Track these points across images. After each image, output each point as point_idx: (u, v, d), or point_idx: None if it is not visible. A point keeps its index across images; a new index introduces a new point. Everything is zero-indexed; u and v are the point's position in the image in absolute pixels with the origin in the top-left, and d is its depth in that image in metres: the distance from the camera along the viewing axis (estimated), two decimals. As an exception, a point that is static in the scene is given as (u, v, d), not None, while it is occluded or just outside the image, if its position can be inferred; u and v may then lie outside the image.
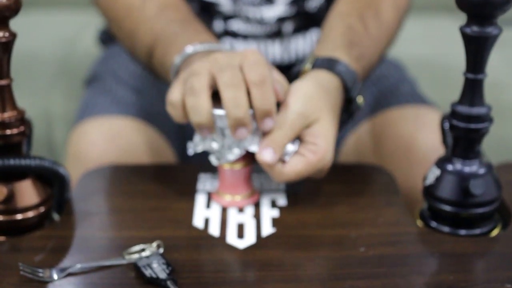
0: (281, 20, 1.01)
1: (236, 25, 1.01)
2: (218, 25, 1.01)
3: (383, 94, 1.00)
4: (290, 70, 1.06)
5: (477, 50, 0.65)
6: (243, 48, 1.01)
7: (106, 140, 0.91)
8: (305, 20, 1.03)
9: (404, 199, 0.75)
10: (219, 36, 1.02)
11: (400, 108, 0.97)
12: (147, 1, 0.87)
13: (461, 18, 0.67)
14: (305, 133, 0.71)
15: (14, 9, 0.64)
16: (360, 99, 0.78)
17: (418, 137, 0.91)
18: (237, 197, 0.73)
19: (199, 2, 1.00)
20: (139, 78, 1.03)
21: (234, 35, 1.01)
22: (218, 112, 0.69)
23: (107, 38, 1.25)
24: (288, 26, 1.02)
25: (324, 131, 0.71)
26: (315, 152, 0.70)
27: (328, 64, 0.76)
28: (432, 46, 1.58)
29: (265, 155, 0.70)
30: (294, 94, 0.73)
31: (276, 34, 1.02)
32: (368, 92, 1.02)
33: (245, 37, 1.01)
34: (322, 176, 0.74)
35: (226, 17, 1.00)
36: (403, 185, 0.84)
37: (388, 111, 0.97)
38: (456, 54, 1.30)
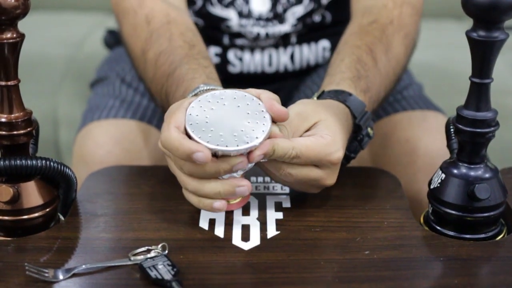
0: (286, 34, 1.02)
1: (242, 41, 1.01)
2: (225, 39, 1.01)
3: (390, 97, 1.00)
4: (299, 77, 1.07)
5: (483, 54, 0.65)
6: (249, 59, 1.02)
7: (112, 142, 0.92)
8: (310, 31, 1.04)
9: (409, 203, 0.75)
10: (227, 48, 1.02)
11: (406, 112, 0.97)
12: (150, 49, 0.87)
13: (466, 23, 0.67)
14: (310, 132, 0.70)
15: (22, 11, 0.64)
16: (371, 131, 0.78)
17: (424, 141, 0.91)
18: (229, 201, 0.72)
19: (207, 19, 1.01)
20: (141, 81, 1.03)
21: (241, 47, 1.02)
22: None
23: (112, 41, 1.25)
24: (293, 39, 1.03)
25: (330, 128, 0.70)
26: (323, 137, 0.69)
27: (335, 94, 0.77)
28: (438, 52, 1.58)
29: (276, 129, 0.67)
30: (295, 103, 0.73)
31: (282, 44, 1.03)
32: None
33: (252, 48, 1.02)
34: (333, 180, 0.71)
35: (232, 35, 1.01)
36: (408, 188, 0.84)
37: (395, 115, 0.97)
38: (461, 60, 1.30)
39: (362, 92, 0.78)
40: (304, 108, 0.72)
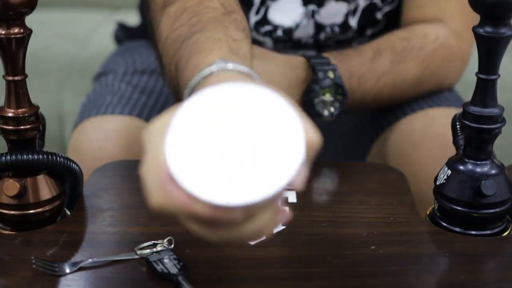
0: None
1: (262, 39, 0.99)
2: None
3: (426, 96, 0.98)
4: None
5: (490, 50, 0.65)
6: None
7: (105, 138, 0.91)
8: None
9: (414, 198, 0.75)
10: None
11: (440, 108, 0.95)
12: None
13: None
14: None
15: (29, 6, 0.65)
16: (331, 74, 0.78)
17: None
18: None
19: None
20: (143, 76, 1.03)
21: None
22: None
23: (122, 35, 1.25)
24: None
25: None
26: None
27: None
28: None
29: None
30: None
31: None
32: None
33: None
34: None
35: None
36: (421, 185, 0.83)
37: (429, 110, 0.94)
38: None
39: (348, 72, 0.80)
40: None
